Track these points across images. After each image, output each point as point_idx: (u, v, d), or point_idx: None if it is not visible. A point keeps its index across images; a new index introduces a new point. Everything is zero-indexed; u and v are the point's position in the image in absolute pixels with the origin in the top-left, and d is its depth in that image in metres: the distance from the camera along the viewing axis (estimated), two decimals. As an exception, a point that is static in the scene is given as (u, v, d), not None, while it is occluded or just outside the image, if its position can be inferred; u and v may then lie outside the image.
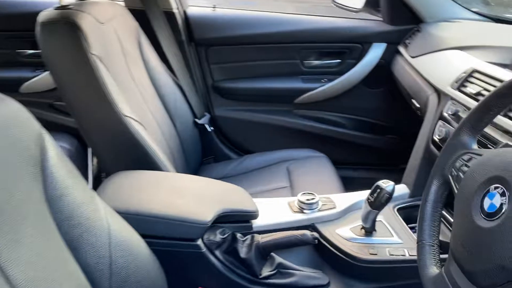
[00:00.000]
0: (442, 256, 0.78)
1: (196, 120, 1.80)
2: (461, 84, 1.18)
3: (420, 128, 1.37)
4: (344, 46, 1.88)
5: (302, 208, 1.17)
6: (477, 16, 1.72)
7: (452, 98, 1.20)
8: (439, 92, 1.30)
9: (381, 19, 1.89)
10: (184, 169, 1.58)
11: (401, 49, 1.77)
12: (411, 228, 1.18)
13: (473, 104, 1.11)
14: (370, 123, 2.02)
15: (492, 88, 1.08)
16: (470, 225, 0.65)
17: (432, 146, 1.23)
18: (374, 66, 1.86)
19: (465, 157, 0.76)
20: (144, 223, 0.97)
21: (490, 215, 0.62)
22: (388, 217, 1.18)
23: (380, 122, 2.01)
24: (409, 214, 1.26)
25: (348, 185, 1.59)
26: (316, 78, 1.93)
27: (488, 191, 0.64)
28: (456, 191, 0.74)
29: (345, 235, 1.11)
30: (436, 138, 1.20)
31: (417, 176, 1.27)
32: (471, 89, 1.13)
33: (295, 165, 1.72)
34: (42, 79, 1.90)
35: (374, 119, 2.02)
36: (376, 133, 2.03)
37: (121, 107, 1.24)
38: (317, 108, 1.98)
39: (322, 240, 1.11)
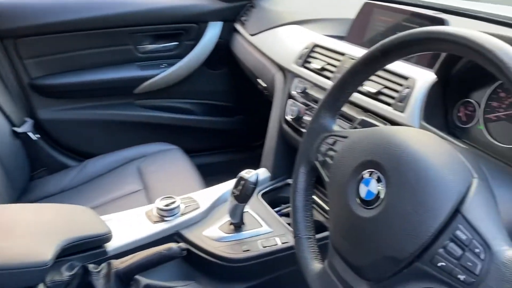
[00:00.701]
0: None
1: (15, 128, 1.47)
2: (304, 60, 1.17)
3: (269, 106, 1.34)
4: (180, 27, 1.74)
5: (162, 216, 1.04)
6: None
7: (298, 76, 1.18)
8: (284, 70, 1.28)
9: (213, -5, 1.80)
10: (7, 192, 1.28)
11: (238, 27, 1.72)
12: (277, 212, 1.15)
13: (319, 80, 1.10)
14: (218, 105, 1.95)
15: (335, 62, 1.08)
16: (349, 215, 0.61)
17: (285, 126, 1.21)
18: (214, 46, 1.78)
19: (329, 140, 0.72)
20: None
21: (368, 203, 0.58)
22: (253, 206, 1.12)
23: (228, 104, 1.96)
24: (273, 198, 1.23)
25: (206, 172, 1.51)
26: (155, 64, 1.76)
27: (362, 177, 0.60)
28: (326, 178, 0.70)
29: (214, 236, 1.02)
30: (288, 118, 1.18)
31: (275, 158, 1.24)
32: (316, 64, 1.12)
33: (146, 162, 1.55)
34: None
35: (222, 102, 1.96)
36: (226, 116, 1.97)
37: None
38: (161, 96, 1.82)
39: (190, 248, 1.00)
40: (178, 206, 1.05)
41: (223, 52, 1.81)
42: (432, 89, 0.85)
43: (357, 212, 0.59)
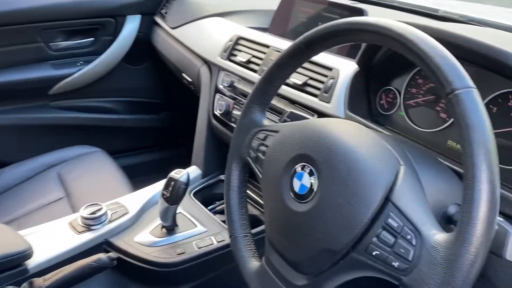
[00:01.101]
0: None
1: None
2: (229, 53, 1.14)
3: (196, 101, 1.31)
4: (95, 22, 1.64)
5: (88, 225, 0.97)
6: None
7: (224, 69, 1.16)
8: (209, 64, 1.25)
9: (129, -12, 1.71)
10: None
11: (158, 19, 1.66)
12: (211, 210, 1.13)
13: (245, 73, 1.09)
14: (142, 102, 1.87)
15: (260, 55, 1.07)
16: (284, 211, 0.60)
17: (214, 122, 1.18)
18: (133, 40, 1.70)
19: (260, 135, 0.71)
20: None
21: (302, 197, 0.58)
22: (186, 206, 1.09)
23: (153, 100, 1.89)
24: (206, 195, 1.21)
25: (133, 174, 1.45)
26: (70, 62, 1.64)
27: (295, 172, 0.60)
28: (259, 174, 0.69)
29: (146, 241, 0.98)
30: (217, 113, 1.15)
31: (205, 155, 1.21)
32: (241, 57, 1.10)
33: (67, 168, 1.45)
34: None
35: (146, 98, 1.88)
36: (151, 113, 1.90)
37: None
38: (79, 96, 1.71)
39: (122, 256, 0.94)
40: (105, 213, 0.99)
41: (144, 46, 1.74)
42: (354, 78, 0.86)
43: (292, 207, 0.59)
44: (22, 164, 1.47)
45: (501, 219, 0.51)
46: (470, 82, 0.46)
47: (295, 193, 0.59)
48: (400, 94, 0.84)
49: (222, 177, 1.23)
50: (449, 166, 0.65)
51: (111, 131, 1.80)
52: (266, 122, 0.74)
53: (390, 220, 0.50)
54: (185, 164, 1.29)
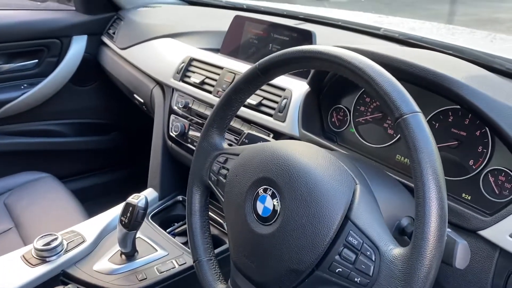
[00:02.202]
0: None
1: None
2: (183, 74, 1.15)
3: (146, 120, 1.30)
4: (39, 43, 1.59)
5: (43, 257, 0.94)
6: (174, 0, 1.74)
7: (177, 90, 1.16)
8: (162, 85, 1.25)
9: (73, 8, 1.68)
10: None
11: (106, 40, 1.63)
12: (170, 233, 1.12)
13: (200, 94, 1.10)
14: (90, 123, 1.82)
15: (214, 76, 1.09)
16: (249, 234, 0.62)
17: (170, 143, 1.18)
18: (80, 61, 1.66)
19: (221, 158, 0.73)
20: None
21: (266, 220, 0.60)
22: (144, 230, 1.08)
23: (101, 121, 1.84)
24: (164, 218, 1.20)
25: (84, 198, 1.40)
26: (14, 85, 1.57)
27: (258, 195, 0.62)
28: (221, 197, 0.70)
29: (105, 269, 0.96)
30: (172, 134, 1.15)
31: (161, 177, 1.21)
32: (195, 78, 1.11)
33: (14, 196, 1.39)
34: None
35: (94, 119, 1.83)
36: (100, 134, 1.85)
37: None
38: (25, 120, 1.64)
39: (81, 287, 0.92)
40: (60, 243, 0.96)
41: (91, 66, 1.70)
42: (307, 98, 0.90)
43: (256, 230, 0.60)
44: (-38, 195, 1.39)
45: (449, 230, 0.56)
46: (416, 107, 0.50)
47: (258, 216, 0.61)
48: (349, 112, 0.89)
49: (179, 198, 1.23)
50: (398, 180, 0.70)
51: (59, 155, 1.74)
52: (225, 145, 0.75)
53: (350, 238, 0.53)
54: (138, 185, 1.27)
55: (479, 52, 0.94)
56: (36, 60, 1.61)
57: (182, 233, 1.14)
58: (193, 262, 0.75)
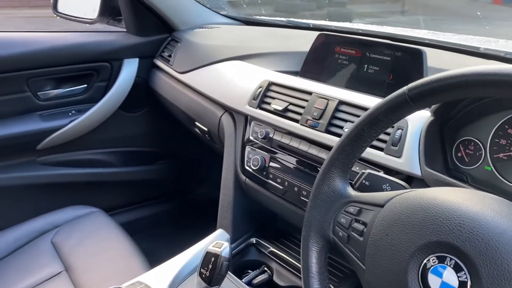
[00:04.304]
0: None
1: None
2: (261, 101, 1.01)
3: (200, 149, 1.16)
4: (89, 67, 1.48)
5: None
6: (228, 20, 1.62)
7: (254, 118, 1.02)
8: (231, 112, 1.11)
9: (124, 30, 1.58)
10: None
11: (160, 63, 1.52)
12: (247, 283, 0.97)
13: (283, 122, 0.95)
14: (140, 152, 1.70)
15: (300, 102, 0.95)
16: None
17: (245, 178, 1.03)
18: (131, 86, 1.55)
19: (351, 209, 0.57)
20: None
21: None
22: (219, 280, 0.92)
23: (151, 149, 1.72)
24: (237, 264, 1.05)
25: (134, 231, 1.30)
26: (61, 112, 1.46)
27: (425, 265, 0.46)
28: (359, 262, 0.54)
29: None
30: (249, 168, 1.00)
31: (234, 217, 1.06)
32: (276, 105, 0.97)
33: (61, 234, 1.26)
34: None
35: (142, 147, 1.71)
36: (148, 163, 1.73)
37: None
38: (71, 149, 1.52)
39: None
40: (129, 300, 0.82)
41: (141, 92, 1.59)
42: (429, 129, 0.75)
43: None
44: (8, 232, 1.28)
45: None
46: None
47: (432, 294, 0.45)
48: (484, 146, 0.73)
49: (253, 240, 1.08)
50: None
51: (107, 186, 1.62)
52: (350, 192, 0.60)
53: None
54: (189, 217, 1.14)
55: None
56: (85, 85, 1.51)
57: (261, 285, 0.98)
58: None
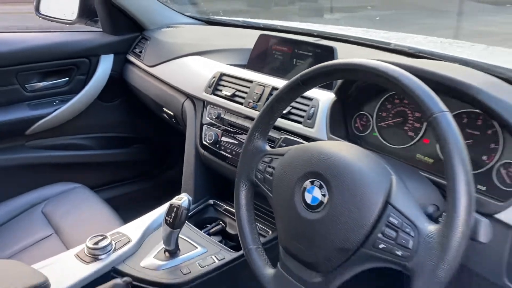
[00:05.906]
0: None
1: None
2: (214, 88, 1.26)
3: (170, 133, 1.38)
4: (70, 63, 1.71)
5: (95, 255, 1.03)
6: (192, 20, 1.86)
7: (209, 103, 1.27)
8: (192, 98, 1.36)
9: (100, 29, 1.80)
10: None
11: (132, 58, 1.75)
12: (205, 232, 1.22)
13: (231, 105, 1.21)
14: (117, 137, 1.93)
15: (244, 89, 1.20)
16: (298, 220, 0.72)
17: (202, 151, 1.28)
18: (107, 79, 1.77)
19: (266, 159, 0.83)
20: None
21: (315, 208, 0.70)
22: (183, 231, 1.16)
23: (127, 135, 1.96)
24: (198, 220, 1.29)
25: (117, 206, 1.50)
26: (46, 102, 1.69)
27: (305, 187, 0.72)
28: (269, 193, 0.80)
29: (152, 265, 1.05)
30: (206, 142, 1.26)
31: (195, 182, 1.31)
32: (226, 91, 1.23)
33: (51, 205, 1.48)
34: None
35: (120, 133, 1.94)
36: (125, 147, 1.96)
37: None
38: (56, 135, 1.75)
39: (132, 281, 1.01)
40: (110, 243, 1.05)
41: (117, 84, 1.82)
42: (333, 106, 1.01)
43: (306, 217, 0.71)
44: (2, 205, 1.47)
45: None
46: (444, 107, 0.61)
47: (307, 205, 0.71)
48: (372, 117, 1.00)
49: (211, 201, 1.33)
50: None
51: (89, 167, 1.84)
52: (268, 148, 0.86)
53: (391, 219, 0.63)
54: (165, 192, 1.37)
55: (483, 63, 1.06)
56: (67, 78, 1.73)
57: (216, 233, 1.24)
58: (243, 250, 0.84)
